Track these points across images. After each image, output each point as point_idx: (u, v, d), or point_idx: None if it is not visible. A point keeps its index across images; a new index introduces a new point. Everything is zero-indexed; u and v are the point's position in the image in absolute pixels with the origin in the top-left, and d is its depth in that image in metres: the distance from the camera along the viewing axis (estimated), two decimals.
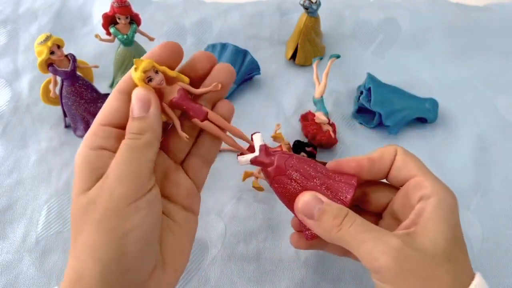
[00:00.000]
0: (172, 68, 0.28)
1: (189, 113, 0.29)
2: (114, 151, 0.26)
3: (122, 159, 0.26)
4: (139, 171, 0.26)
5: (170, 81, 0.28)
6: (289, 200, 0.30)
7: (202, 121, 0.29)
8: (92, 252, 0.24)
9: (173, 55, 0.28)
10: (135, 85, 0.27)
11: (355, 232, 0.27)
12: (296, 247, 0.35)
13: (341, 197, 0.29)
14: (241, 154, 0.31)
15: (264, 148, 0.30)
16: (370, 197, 0.33)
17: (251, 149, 0.31)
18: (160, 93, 0.28)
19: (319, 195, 0.29)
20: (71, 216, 0.26)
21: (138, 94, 0.27)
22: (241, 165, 0.31)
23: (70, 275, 0.25)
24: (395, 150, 0.30)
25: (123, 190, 0.25)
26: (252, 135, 0.31)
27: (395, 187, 0.32)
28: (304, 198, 0.29)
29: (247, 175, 0.45)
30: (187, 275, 0.40)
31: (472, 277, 0.26)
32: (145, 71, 0.26)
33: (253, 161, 0.30)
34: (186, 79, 0.29)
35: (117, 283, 0.25)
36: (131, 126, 0.26)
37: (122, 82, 0.28)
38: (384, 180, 0.32)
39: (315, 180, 0.30)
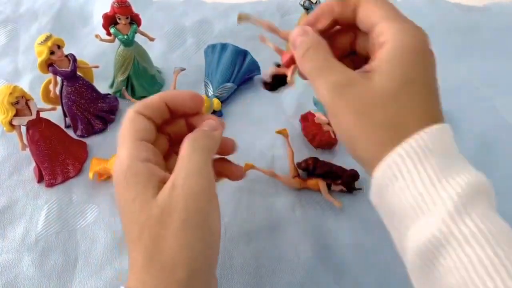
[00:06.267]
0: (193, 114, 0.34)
1: None
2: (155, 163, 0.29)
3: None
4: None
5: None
6: None
7: None
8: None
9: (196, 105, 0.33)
10: None
11: (314, 68, 0.27)
12: None
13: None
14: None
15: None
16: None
17: None
18: None
19: (309, 29, 0.29)
20: (131, 223, 0.27)
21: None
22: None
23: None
24: None
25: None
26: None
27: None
28: (295, 30, 0.29)
29: (247, 167, 0.45)
30: None
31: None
32: None
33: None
34: None
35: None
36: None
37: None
38: None
39: None
